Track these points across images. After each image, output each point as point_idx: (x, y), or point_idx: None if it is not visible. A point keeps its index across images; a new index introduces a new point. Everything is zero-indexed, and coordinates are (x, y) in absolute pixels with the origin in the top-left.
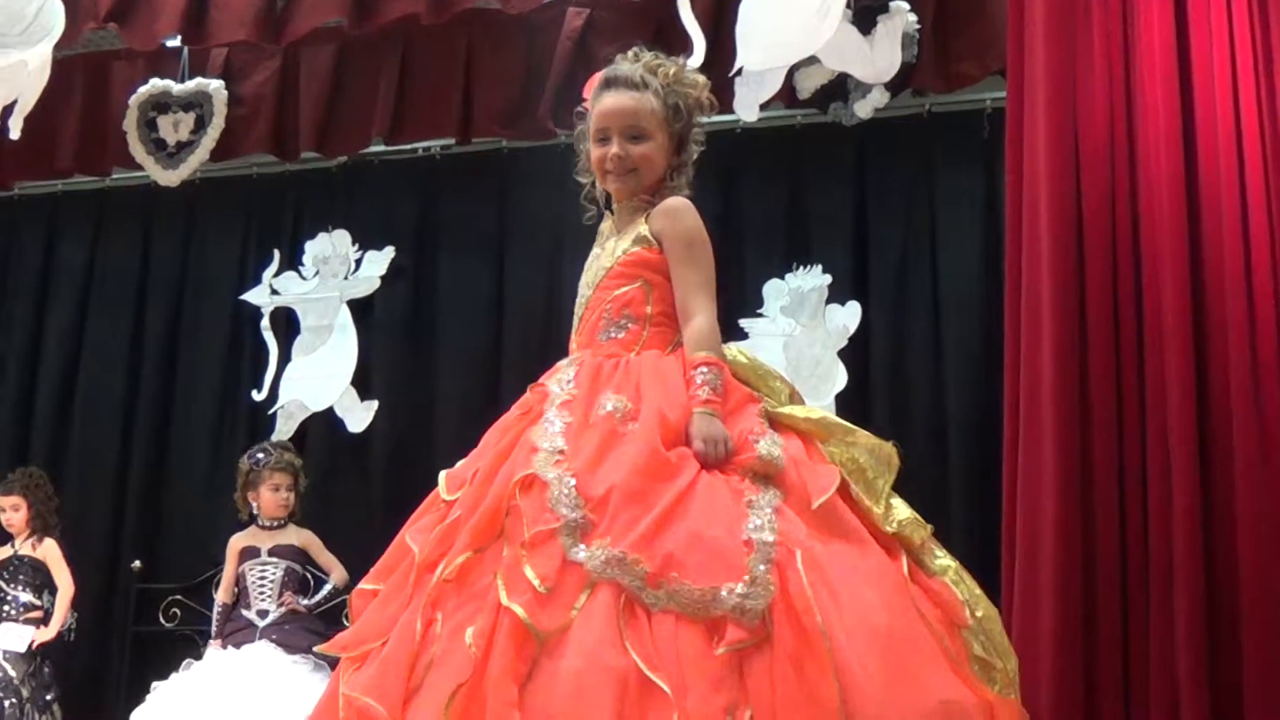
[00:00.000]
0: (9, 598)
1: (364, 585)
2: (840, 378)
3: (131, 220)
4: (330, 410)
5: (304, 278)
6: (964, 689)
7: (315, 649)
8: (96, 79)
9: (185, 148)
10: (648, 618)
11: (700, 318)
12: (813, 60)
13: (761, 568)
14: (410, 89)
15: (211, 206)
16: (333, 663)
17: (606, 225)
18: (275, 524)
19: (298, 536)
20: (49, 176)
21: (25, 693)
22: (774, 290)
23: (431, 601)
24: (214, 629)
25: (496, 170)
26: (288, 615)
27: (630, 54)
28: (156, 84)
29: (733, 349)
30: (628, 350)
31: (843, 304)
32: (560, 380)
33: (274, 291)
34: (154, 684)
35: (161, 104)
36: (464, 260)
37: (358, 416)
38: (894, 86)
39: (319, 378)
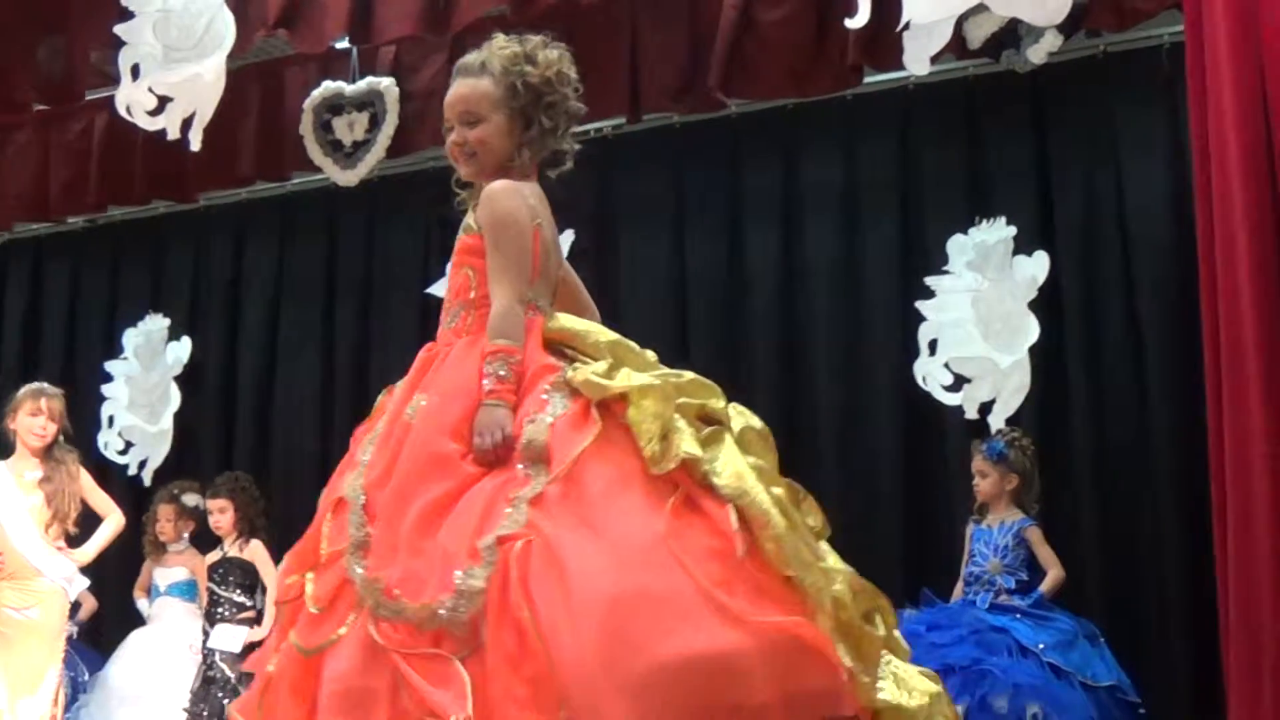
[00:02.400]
0: (222, 599)
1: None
2: (1033, 330)
3: (315, 222)
4: None
5: None
6: (731, 633)
7: None
8: (270, 86)
9: (361, 147)
10: (394, 626)
11: (496, 304)
12: (981, 8)
13: (474, 575)
14: (578, 70)
15: (391, 203)
16: None
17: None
18: None
19: None
20: (232, 185)
21: (243, 690)
22: (958, 246)
23: (282, 622)
24: None
25: (670, 146)
26: None
27: (489, 41)
28: (329, 86)
29: (561, 318)
30: (459, 336)
31: (1029, 255)
32: (404, 380)
33: None
34: None
35: (335, 106)
36: (643, 239)
37: None
38: (1067, 28)
39: None
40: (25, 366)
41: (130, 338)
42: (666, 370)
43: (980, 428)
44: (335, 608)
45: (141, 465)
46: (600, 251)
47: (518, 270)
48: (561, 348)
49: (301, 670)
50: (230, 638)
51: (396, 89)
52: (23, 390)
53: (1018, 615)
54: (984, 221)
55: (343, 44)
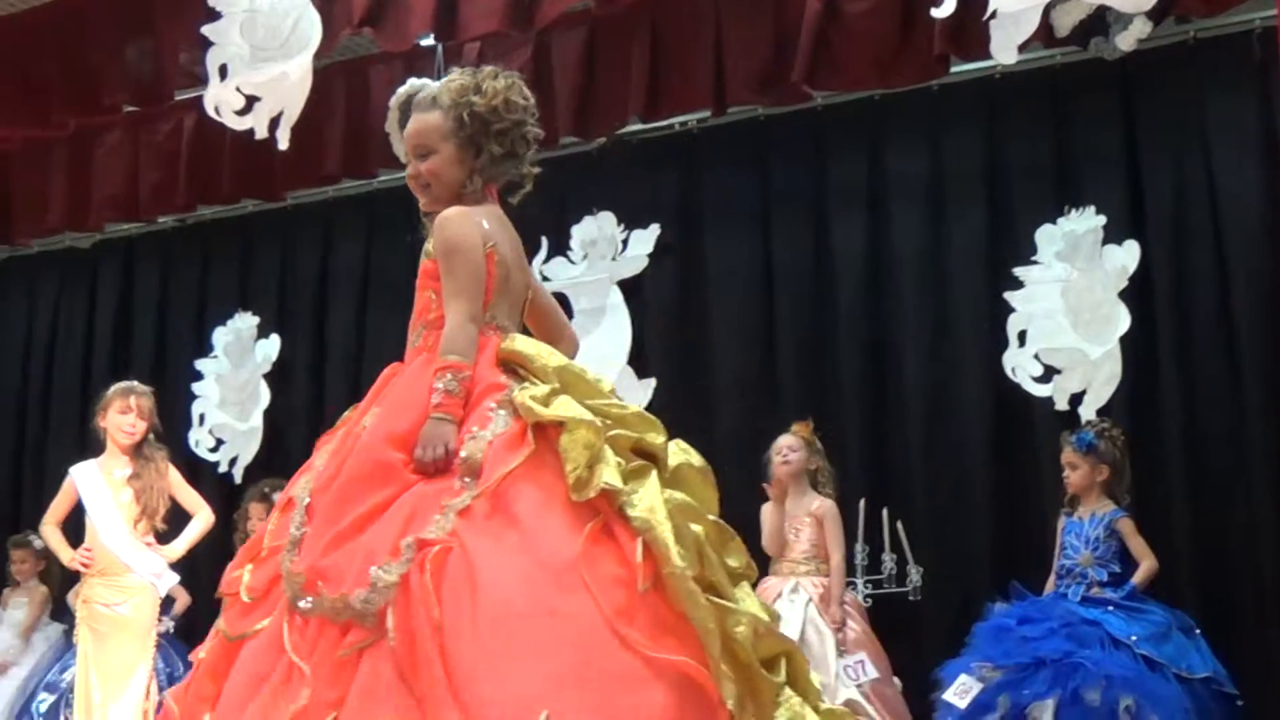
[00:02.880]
0: None
1: None
2: (1123, 319)
3: (400, 219)
4: None
5: (573, 262)
6: (626, 659)
7: None
8: (356, 84)
9: None
10: (304, 622)
11: (448, 323)
12: None
13: (388, 571)
14: (663, 64)
15: None
16: None
17: None
18: None
19: None
20: (319, 184)
21: None
22: (1046, 236)
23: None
24: None
25: (755, 139)
26: None
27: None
28: (413, 83)
29: (517, 339)
30: (419, 355)
31: (1120, 244)
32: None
33: (545, 278)
34: None
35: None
36: (730, 232)
37: (636, 396)
38: (1156, 14)
39: (594, 360)
40: (117, 365)
41: (220, 336)
42: (612, 401)
43: (1070, 419)
44: (266, 599)
45: (232, 462)
46: (685, 246)
47: (470, 291)
48: (515, 368)
49: (222, 654)
50: None
51: None
52: (113, 389)
53: (1110, 608)
54: (1073, 211)
55: (427, 41)
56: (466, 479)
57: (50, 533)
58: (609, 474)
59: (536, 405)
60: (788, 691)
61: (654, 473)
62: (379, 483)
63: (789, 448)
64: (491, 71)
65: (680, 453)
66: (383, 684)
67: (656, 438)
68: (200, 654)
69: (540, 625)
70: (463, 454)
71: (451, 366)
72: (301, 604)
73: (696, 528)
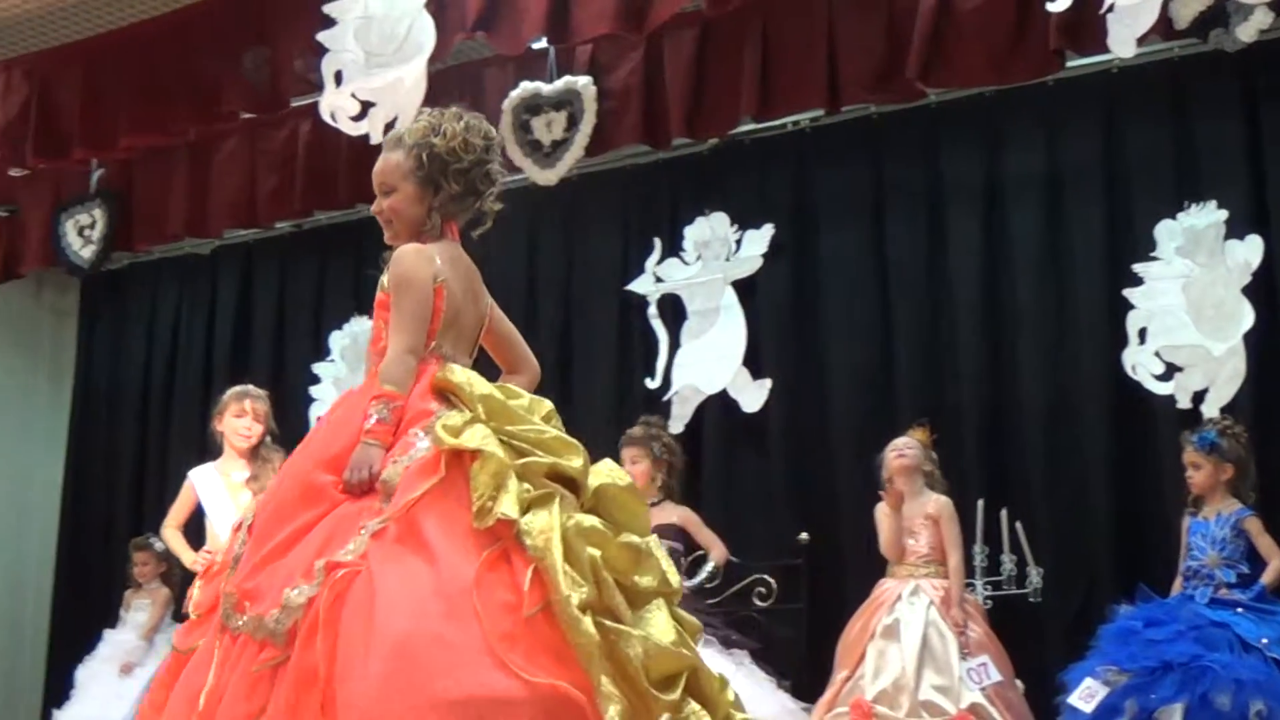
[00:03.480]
0: None
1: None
2: (1247, 315)
3: (515, 221)
4: (724, 392)
5: (686, 263)
6: (507, 681)
7: None
8: (470, 88)
9: (560, 146)
10: (233, 639)
11: (389, 354)
12: None
13: (297, 593)
14: (774, 63)
15: (590, 201)
16: (720, 641)
17: None
18: (656, 501)
19: (676, 514)
20: None
21: None
22: (1167, 231)
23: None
24: None
25: (868, 137)
26: None
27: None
28: (527, 87)
29: (452, 369)
30: (372, 379)
31: (1242, 239)
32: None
33: (658, 279)
34: None
35: (533, 106)
36: (844, 231)
37: (752, 396)
38: (1277, 5)
39: (710, 361)
40: (236, 369)
41: (336, 340)
42: (535, 426)
43: (1193, 417)
44: (210, 616)
45: None
46: (799, 246)
47: (411, 325)
48: (448, 396)
49: (174, 667)
50: None
51: (594, 87)
52: (229, 393)
53: (1239, 610)
54: (1193, 206)
55: (540, 44)
56: (385, 502)
57: (171, 535)
58: (506, 503)
59: (446, 434)
60: (692, 705)
61: (557, 500)
62: (307, 503)
63: (905, 445)
64: (454, 113)
65: (605, 474)
66: (285, 698)
67: (574, 461)
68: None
69: (426, 654)
70: (384, 477)
71: (385, 395)
72: (233, 623)
73: (595, 552)
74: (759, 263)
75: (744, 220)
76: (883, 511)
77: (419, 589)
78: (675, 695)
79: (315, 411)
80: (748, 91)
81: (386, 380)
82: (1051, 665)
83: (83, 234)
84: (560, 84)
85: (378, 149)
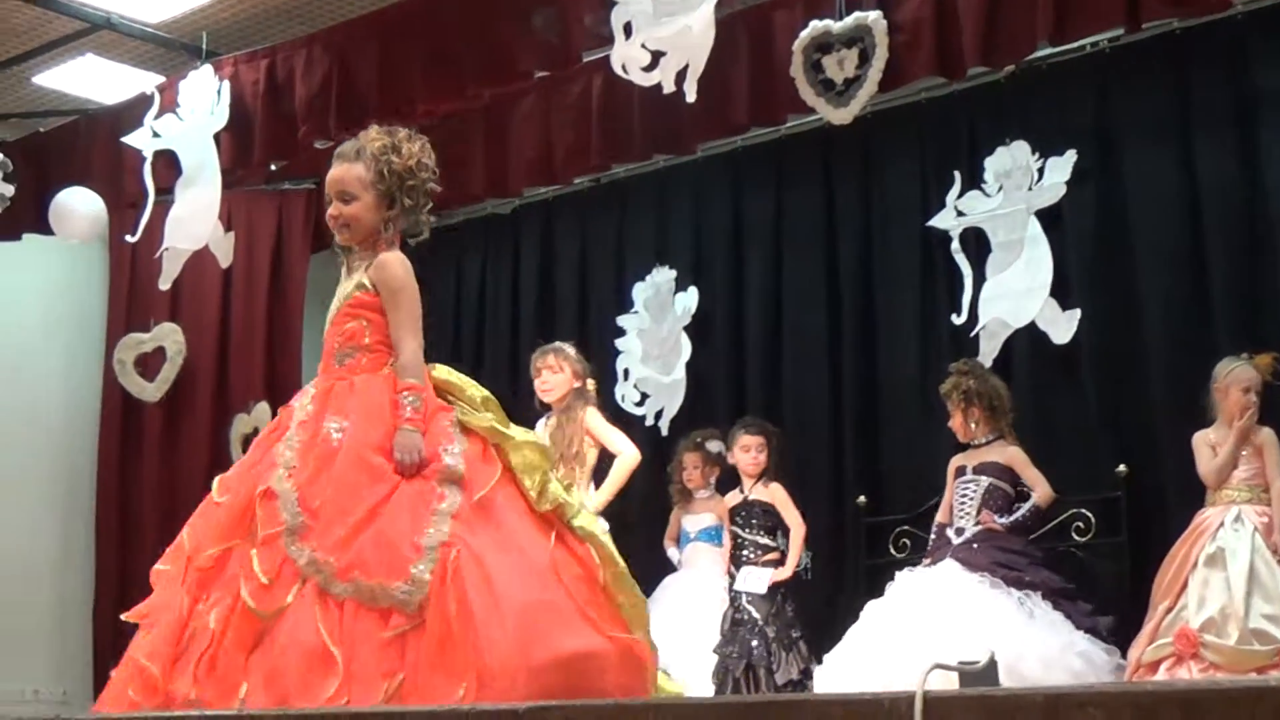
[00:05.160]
0: (746, 542)
1: (158, 566)
2: None
3: (811, 163)
4: (1032, 325)
5: (988, 195)
6: (597, 638)
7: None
8: (759, 31)
9: (853, 84)
10: (338, 606)
11: (405, 352)
12: None
13: (422, 569)
14: None
15: (886, 138)
16: (1011, 582)
17: (344, 270)
18: (985, 441)
19: (1002, 453)
20: (728, 134)
21: (770, 633)
22: None
23: (196, 584)
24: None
25: (1171, 55)
26: (982, 533)
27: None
28: (816, 26)
29: (439, 369)
30: (353, 374)
31: None
32: (302, 402)
33: (959, 213)
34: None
35: (824, 44)
36: (1149, 154)
37: (1061, 328)
38: None
39: (1017, 293)
40: (542, 326)
41: (640, 291)
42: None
43: None
44: (281, 579)
45: (658, 415)
46: (1104, 171)
47: (416, 326)
48: (444, 394)
49: (250, 629)
50: (756, 580)
51: (884, 22)
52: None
53: None
54: None
55: None
56: (446, 485)
57: None
58: (556, 489)
59: (503, 429)
60: None
61: (574, 484)
62: (373, 481)
63: (1251, 380)
64: (407, 134)
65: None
66: (426, 660)
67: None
68: (211, 624)
69: (543, 618)
70: (445, 464)
71: (413, 389)
72: (336, 589)
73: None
74: (1062, 190)
75: (1045, 148)
76: (1204, 440)
77: (518, 564)
78: None
79: (622, 364)
80: (1043, 15)
81: (411, 376)
82: None
83: None
84: (850, 20)
85: (670, 98)
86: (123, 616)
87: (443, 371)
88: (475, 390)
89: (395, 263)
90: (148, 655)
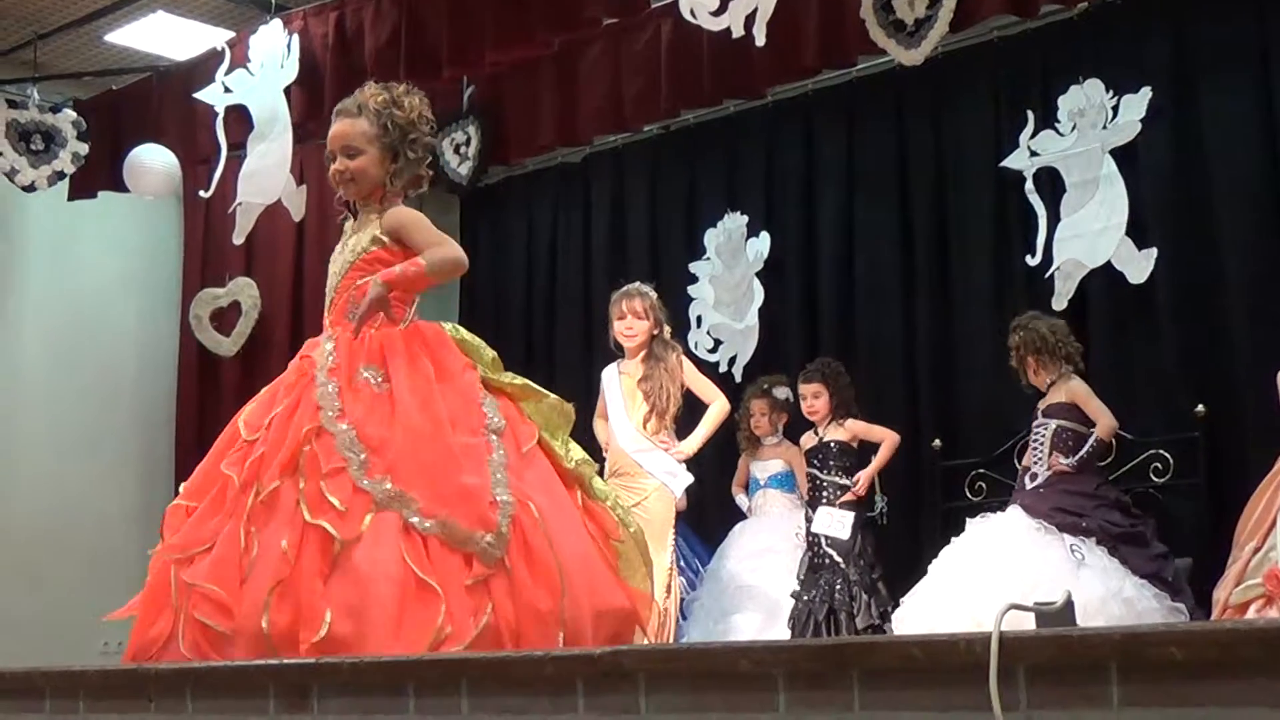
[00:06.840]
0: (824, 484)
1: (178, 501)
2: None
3: (882, 105)
4: (1109, 264)
5: (1061, 134)
6: (623, 594)
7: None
8: None
9: (924, 24)
10: (422, 539)
11: (449, 250)
12: None
13: (505, 523)
14: None
15: (958, 79)
16: (1066, 528)
17: (349, 225)
18: (1050, 383)
19: (1064, 390)
20: (798, 77)
21: (852, 575)
22: None
23: (249, 517)
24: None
25: None
26: (1052, 477)
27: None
28: None
29: (449, 326)
30: (369, 329)
31: None
32: (322, 353)
33: (1033, 153)
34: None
35: None
36: (1227, 90)
37: (1138, 267)
38: None
39: (1092, 233)
40: (613, 274)
41: (711, 238)
42: None
43: None
44: (354, 509)
45: (731, 362)
46: (1179, 108)
47: (438, 237)
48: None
49: (325, 556)
50: (837, 522)
51: None
52: (613, 296)
53: None
54: None
55: None
56: (494, 436)
57: (598, 428)
58: (576, 448)
59: (537, 387)
60: None
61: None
62: (442, 434)
63: None
64: (405, 89)
65: None
66: (512, 602)
67: None
68: (282, 547)
69: (589, 572)
70: (489, 418)
71: (418, 266)
72: (421, 523)
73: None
74: (1137, 128)
75: (1119, 85)
76: None
77: (569, 519)
78: None
79: (694, 310)
80: None
81: (427, 260)
82: None
83: (459, 151)
84: None
85: (739, 43)
86: (161, 552)
87: (452, 328)
88: (486, 350)
89: (405, 210)
90: (211, 580)
